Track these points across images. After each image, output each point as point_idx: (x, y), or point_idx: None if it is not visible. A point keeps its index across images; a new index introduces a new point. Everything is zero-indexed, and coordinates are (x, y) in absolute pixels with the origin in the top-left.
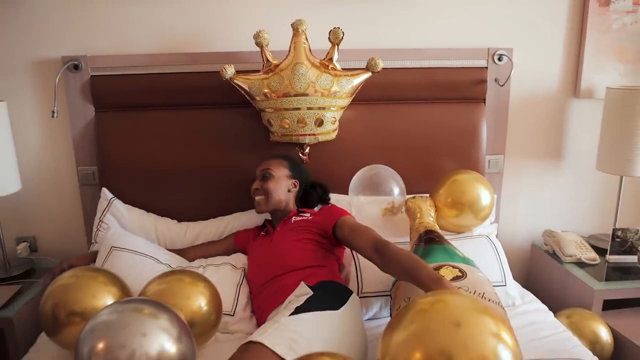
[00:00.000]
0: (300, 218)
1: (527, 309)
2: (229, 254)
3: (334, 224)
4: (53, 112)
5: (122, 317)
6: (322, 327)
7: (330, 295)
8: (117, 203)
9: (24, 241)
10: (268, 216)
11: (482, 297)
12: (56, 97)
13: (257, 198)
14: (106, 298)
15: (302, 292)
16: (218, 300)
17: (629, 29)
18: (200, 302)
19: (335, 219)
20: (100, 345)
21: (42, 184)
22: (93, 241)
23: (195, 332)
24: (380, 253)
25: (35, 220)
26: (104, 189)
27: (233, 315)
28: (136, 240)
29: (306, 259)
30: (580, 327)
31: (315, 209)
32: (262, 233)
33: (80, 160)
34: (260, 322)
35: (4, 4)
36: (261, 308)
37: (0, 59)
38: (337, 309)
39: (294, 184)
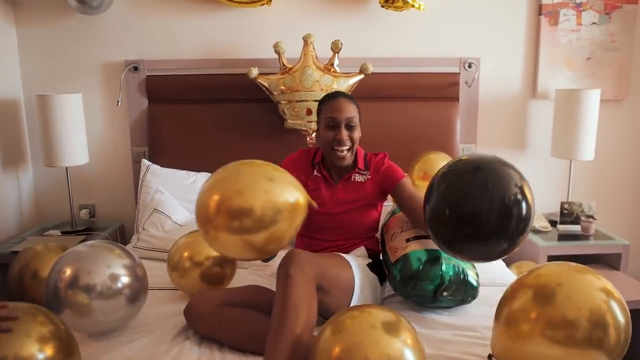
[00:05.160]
0: (360, 178)
1: None
2: None
3: (395, 185)
4: (118, 101)
5: (94, 250)
6: (368, 282)
7: (379, 271)
8: (154, 166)
9: (85, 208)
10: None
11: None
12: (120, 90)
13: (343, 150)
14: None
15: (361, 254)
16: None
17: (575, 44)
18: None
19: (397, 180)
20: (69, 270)
21: (103, 160)
22: (138, 200)
23: (220, 272)
24: None
25: (95, 191)
26: (143, 159)
27: None
28: (175, 209)
29: (367, 230)
30: None
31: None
32: (316, 173)
33: (134, 142)
34: None
35: (83, 19)
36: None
37: (78, 61)
38: (382, 284)
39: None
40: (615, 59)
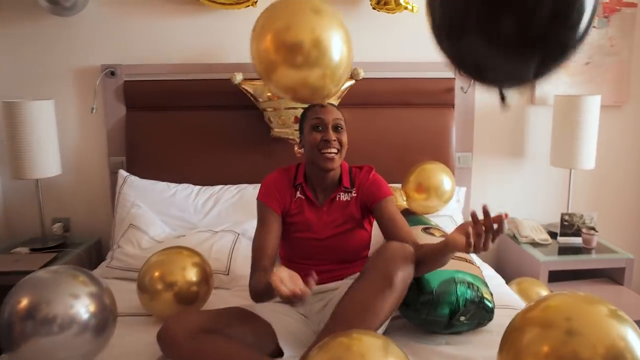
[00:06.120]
0: (345, 197)
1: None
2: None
3: (379, 202)
4: (92, 108)
5: (56, 277)
6: None
7: None
8: (132, 178)
9: (59, 222)
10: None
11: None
12: (96, 97)
13: (331, 152)
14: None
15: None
16: (208, 269)
17: None
18: (193, 270)
19: (382, 197)
20: (25, 300)
21: (79, 171)
22: (114, 213)
23: (191, 292)
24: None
25: (70, 203)
26: (120, 170)
27: (228, 274)
28: (153, 223)
29: (359, 252)
30: (527, 291)
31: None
32: (299, 194)
33: (112, 151)
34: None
35: (55, 21)
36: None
37: (50, 65)
38: None
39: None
40: (615, 63)
